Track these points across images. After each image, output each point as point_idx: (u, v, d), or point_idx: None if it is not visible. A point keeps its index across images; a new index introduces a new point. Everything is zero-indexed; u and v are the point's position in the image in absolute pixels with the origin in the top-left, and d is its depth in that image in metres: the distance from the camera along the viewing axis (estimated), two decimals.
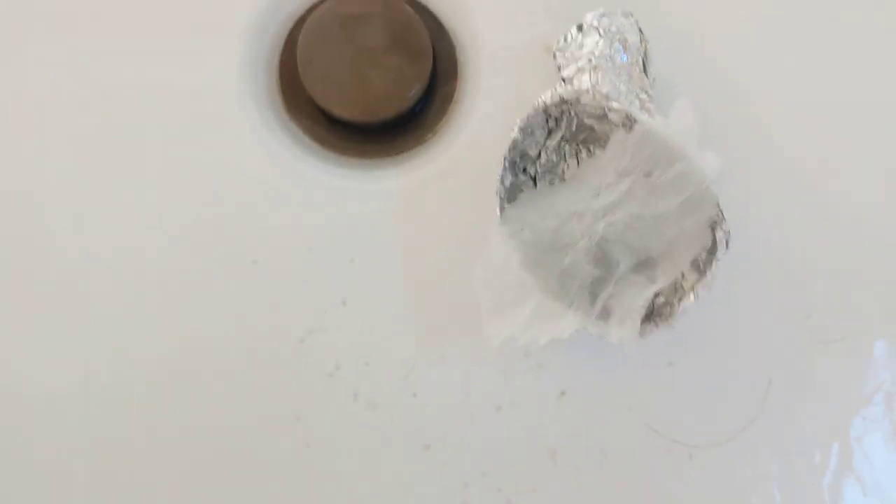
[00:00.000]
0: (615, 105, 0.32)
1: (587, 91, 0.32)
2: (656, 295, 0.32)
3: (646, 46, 0.37)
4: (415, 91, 0.39)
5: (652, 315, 0.32)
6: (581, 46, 0.36)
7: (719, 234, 0.31)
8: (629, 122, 0.32)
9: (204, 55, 0.40)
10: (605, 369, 0.38)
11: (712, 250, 0.31)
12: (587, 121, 0.34)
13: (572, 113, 0.34)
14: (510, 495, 0.37)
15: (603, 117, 0.33)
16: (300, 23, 0.41)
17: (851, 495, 0.37)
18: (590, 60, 0.35)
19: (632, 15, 0.37)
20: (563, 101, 0.32)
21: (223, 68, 0.40)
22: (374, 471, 0.37)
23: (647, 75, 0.37)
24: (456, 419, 0.37)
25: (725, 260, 0.38)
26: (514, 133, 0.33)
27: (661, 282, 0.32)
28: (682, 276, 0.32)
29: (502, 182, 0.33)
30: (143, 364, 0.38)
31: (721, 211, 0.31)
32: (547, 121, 0.34)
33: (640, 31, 0.37)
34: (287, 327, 0.38)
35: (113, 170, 0.39)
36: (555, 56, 0.37)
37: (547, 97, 0.32)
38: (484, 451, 0.37)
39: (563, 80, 0.36)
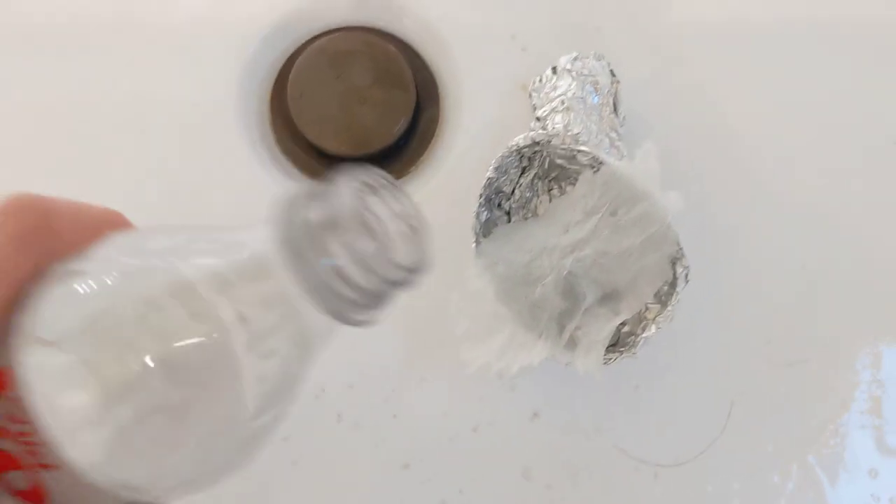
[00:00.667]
0: (583, 147, 0.34)
1: (557, 134, 0.34)
2: (622, 325, 0.34)
3: (616, 87, 0.39)
4: (399, 126, 0.41)
5: (617, 344, 0.34)
6: (555, 88, 0.38)
7: (679, 270, 0.33)
8: (596, 164, 0.34)
9: (198, 90, 0.42)
10: (575, 392, 0.40)
11: (673, 284, 0.33)
12: (558, 161, 0.36)
13: (544, 153, 0.36)
14: None
15: (572, 158, 0.35)
16: (291, 60, 0.43)
17: None
18: (562, 102, 0.37)
19: (604, 57, 0.40)
20: (535, 143, 0.34)
21: (216, 103, 0.42)
22: (357, 488, 0.39)
23: (617, 115, 0.39)
24: (434, 439, 0.39)
25: (689, 289, 0.40)
26: (490, 172, 0.35)
27: (625, 314, 0.34)
28: (646, 308, 0.34)
29: (478, 217, 0.35)
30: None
31: (681, 248, 0.33)
32: (520, 160, 0.36)
33: (612, 72, 0.40)
34: None
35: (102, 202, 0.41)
36: (530, 96, 0.39)
37: (520, 139, 0.34)
38: (461, 469, 0.39)
39: (538, 120, 0.38)
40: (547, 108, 0.38)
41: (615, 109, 0.39)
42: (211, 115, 0.41)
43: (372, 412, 0.39)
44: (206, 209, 0.41)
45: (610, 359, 0.33)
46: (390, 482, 0.39)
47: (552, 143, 0.34)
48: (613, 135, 0.38)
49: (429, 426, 0.39)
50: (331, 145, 0.41)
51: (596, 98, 0.38)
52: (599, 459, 0.39)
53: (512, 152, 0.34)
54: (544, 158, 0.36)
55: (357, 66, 0.42)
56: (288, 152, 0.42)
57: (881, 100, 0.44)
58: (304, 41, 0.43)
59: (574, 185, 0.37)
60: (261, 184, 0.41)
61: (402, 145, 0.43)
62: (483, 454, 0.39)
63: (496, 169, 0.34)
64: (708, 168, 0.42)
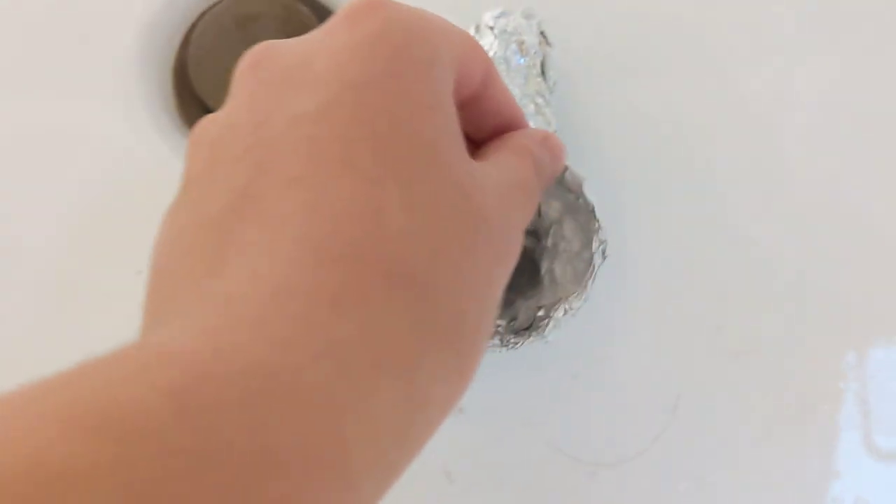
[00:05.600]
0: None
1: None
2: (537, 308, 0.30)
3: (545, 50, 0.36)
4: None
5: (530, 328, 0.30)
6: None
7: (595, 245, 0.29)
8: None
9: (96, 54, 0.38)
10: (505, 383, 0.36)
11: (590, 261, 0.30)
12: None
13: None
14: None
15: None
16: (197, 23, 0.40)
17: None
18: None
19: (534, 17, 0.36)
20: None
21: (116, 68, 0.38)
22: None
23: (545, 79, 0.35)
24: None
25: (633, 269, 0.36)
26: None
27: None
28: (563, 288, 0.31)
29: None
30: (20, 372, 0.36)
31: (598, 220, 0.29)
32: None
33: (542, 33, 0.36)
34: None
35: None
36: None
37: None
38: None
39: None
40: None
41: (543, 73, 0.35)
42: (108, 83, 0.38)
43: None
44: (105, 179, 0.38)
45: (517, 343, 0.29)
46: None
47: None
48: (540, 100, 0.35)
49: None
50: None
51: (521, 59, 0.35)
52: (530, 458, 0.35)
53: None
54: None
55: (268, 31, 0.38)
56: (191, 122, 0.39)
57: (850, 66, 0.41)
58: (212, 3, 0.40)
59: None
60: (160, 153, 0.37)
61: None
62: None
63: None
64: (646, 138, 0.39)
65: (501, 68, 0.34)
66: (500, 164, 0.20)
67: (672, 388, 0.36)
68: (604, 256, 0.29)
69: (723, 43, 0.40)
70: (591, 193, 0.29)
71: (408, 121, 0.16)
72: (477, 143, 0.23)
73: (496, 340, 0.29)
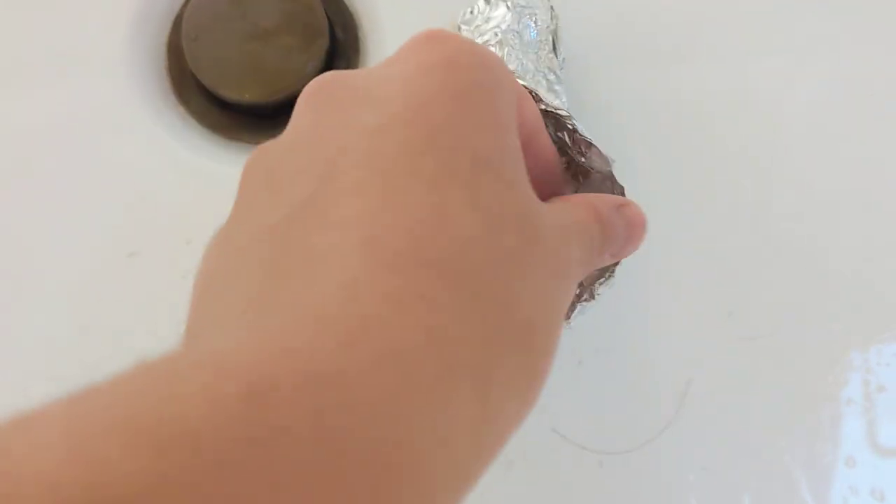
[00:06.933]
0: (519, 81, 0.29)
1: None
2: None
3: (556, 24, 0.35)
4: (308, 71, 0.36)
5: None
6: (487, 20, 0.34)
7: None
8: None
9: (87, 34, 0.37)
10: None
11: None
12: None
13: None
14: None
15: None
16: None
17: None
18: (496, 34, 0.33)
19: None
20: None
21: (108, 49, 0.37)
22: None
23: (556, 55, 0.34)
24: None
25: (639, 251, 0.35)
26: None
27: None
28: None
29: None
30: (14, 358, 0.34)
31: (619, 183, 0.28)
32: None
33: (552, 8, 0.35)
34: (163, 325, 0.35)
35: None
36: (459, 29, 0.35)
37: None
38: None
39: None
40: (478, 42, 0.33)
41: (554, 49, 0.34)
42: (100, 61, 0.37)
43: None
44: (94, 162, 0.36)
45: None
46: None
47: None
48: (552, 76, 0.33)
49: None
50: (231, 92, 0.36)
51: (534, 33, 0.33)
52: (536, 445, 0.34)
53: None
54: None
55: (263, 5, 0.37)
56: (185, 101, 0.37)
57: (860, 53, 0.40)
58: None
59: None
60: (154, 135, 0.36)
61: None
62: None
63: None
64: (657, 121, 0.38)
65: (514, 42, 0.32)
66: (556, 208, 0.20)
67: (682, 374, 0.36)
68: None
69: (735, 26, 0.39)
70: (621, 176, 0.28)
71: (470, 138, 0.17)
72: None
73: None
